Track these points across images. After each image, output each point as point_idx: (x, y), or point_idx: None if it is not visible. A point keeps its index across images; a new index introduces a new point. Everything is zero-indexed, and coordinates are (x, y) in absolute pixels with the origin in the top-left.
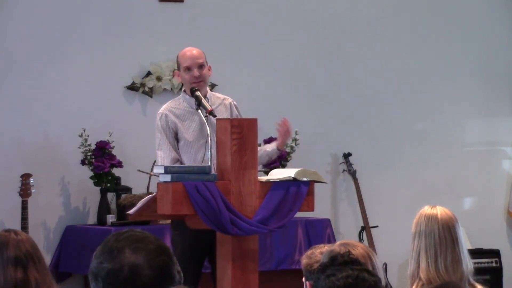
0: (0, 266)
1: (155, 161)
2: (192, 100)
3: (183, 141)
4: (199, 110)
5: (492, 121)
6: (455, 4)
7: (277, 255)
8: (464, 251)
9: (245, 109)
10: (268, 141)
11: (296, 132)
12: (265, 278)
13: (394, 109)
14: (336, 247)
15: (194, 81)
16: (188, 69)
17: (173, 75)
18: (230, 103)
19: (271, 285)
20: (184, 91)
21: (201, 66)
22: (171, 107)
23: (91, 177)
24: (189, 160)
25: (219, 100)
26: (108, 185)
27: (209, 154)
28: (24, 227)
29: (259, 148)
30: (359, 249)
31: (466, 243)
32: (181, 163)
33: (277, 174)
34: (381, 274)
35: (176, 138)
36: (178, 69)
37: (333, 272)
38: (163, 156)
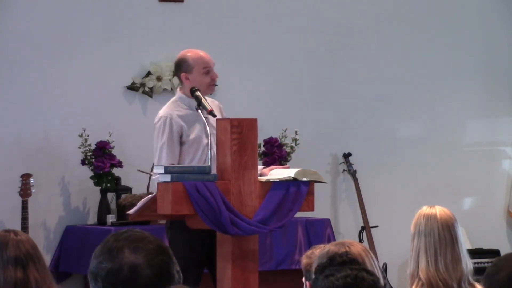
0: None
1: None
2: (192, 101)
3: (189, 142)
4: (199, 110)
5: (492, 121)
6: (455, 4)
7: (277, 255)
8: (463, 250)
9: (245, 109)
10: (268, 141)
11: (296, 132)
12: (265, 278)
13: (394, 109)
14: (331, 247)
15: (213, 83)
16: (208, 71)
17: (181, 79)
18: (218, 105)
19: (271, 285)
20: (182, 92)
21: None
22: (173, 109)
23: (91, 177)
24: (194, 161)
25: (211, 102)
26: (108, 185)
27: (209, 154)
28: (24, 227)
29: None
30: (355, 249)
31: (465, 243)
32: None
33: (277, 174)
34: (379, 272)
35: (180, 141)
36: (187, 71)
37: (331, 272)
38: (160, 161)
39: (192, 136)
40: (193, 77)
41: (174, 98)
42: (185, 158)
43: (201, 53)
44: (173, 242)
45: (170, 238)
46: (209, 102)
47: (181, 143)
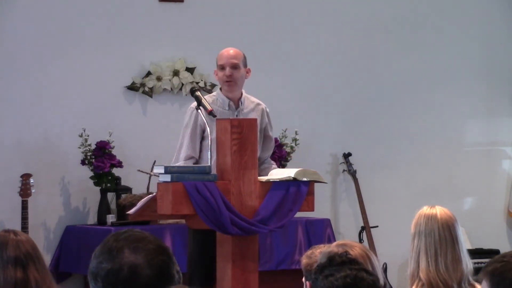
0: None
1: (155, 161)
2: (226, 100)
3: (209, 138)
4: (199, 110)
5: (492, 121)
6: (455, 4)
7: (277, 255)
8: (464, 251)
9: None
10: None
11: (296, 132)
12: (265, 278)
13: (394, 109)
14: (333, 247)
15: (226, 80)
16: (222, 67)
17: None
18: (263, 109)
19: (271, 285)
20: (220, 89)
21: (235, 67)
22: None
23: (91, 177)
24: (213, 159)
25: (253, 105)
26: (108, 185)
27: (209, 154)
28: (24, 227)
29: (272, 166)
30: (357, 249)
31: (465, 243)
32: (197, 161)
33: (277, 174)
34: (379, 273)
35: (202, 135)
36: (216, 67)
37: (331, 273)
38: (180, 150)
39: (214, 135)
40: (217, 72)
41: (214, 92)
42: (204, 153)
43: (225, 51)
44: (193, 242)
45: (190, 237)
46: (254, 105)
47: (203, 138)
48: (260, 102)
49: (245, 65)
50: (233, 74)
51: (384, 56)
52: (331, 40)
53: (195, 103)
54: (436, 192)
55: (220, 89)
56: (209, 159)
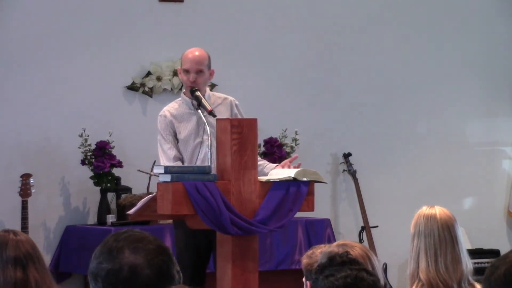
0: None
1: (155, 161)
2: (189, 100)
3: (181, 141)
4: (199, 110)
5: (492, 121)
6: (455, 4)
7: (277, 255)
8: (463, 251)
9: (245, 110)
10: (268, 141)
11: (296, 132)
12: (265, 278)
13: (394, 109)
14: (334, 247)
15: (189, 85)
16: (187, 71)
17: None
18: (230, 101)
19: (271, 285)
20: (184, 92)
21: (199, 72)
22: (170, 107)
23: (91, 177)
24: (185, 160)
25: (220, 100)
26: (108, 185)
27: (209, 154)
28: (24, 227)
29: (262, 162)
30: (357, 250)
31: (465, 243)
32: (183, 161)
33: (277, 174)
34: (380, 274)
35: (175, 137)
36: (180, 66)
37: (331, 273)
38: (165, 156)
39: (182, 136)
40: (180, 71)
41: (179, 97)
42: (183, 155)
43: (190, 54)
44: (176, 241)
45: (174, 236)
46: (221, 99)
47: (177, 140)
48: (228, 96)
49: (209, 67)
50: (196, 80)
51: (384, 56)
52: (332, 40)
53: (164, 109)
54: (436, 192)
55: (184, 92)
56: (209, 159)
